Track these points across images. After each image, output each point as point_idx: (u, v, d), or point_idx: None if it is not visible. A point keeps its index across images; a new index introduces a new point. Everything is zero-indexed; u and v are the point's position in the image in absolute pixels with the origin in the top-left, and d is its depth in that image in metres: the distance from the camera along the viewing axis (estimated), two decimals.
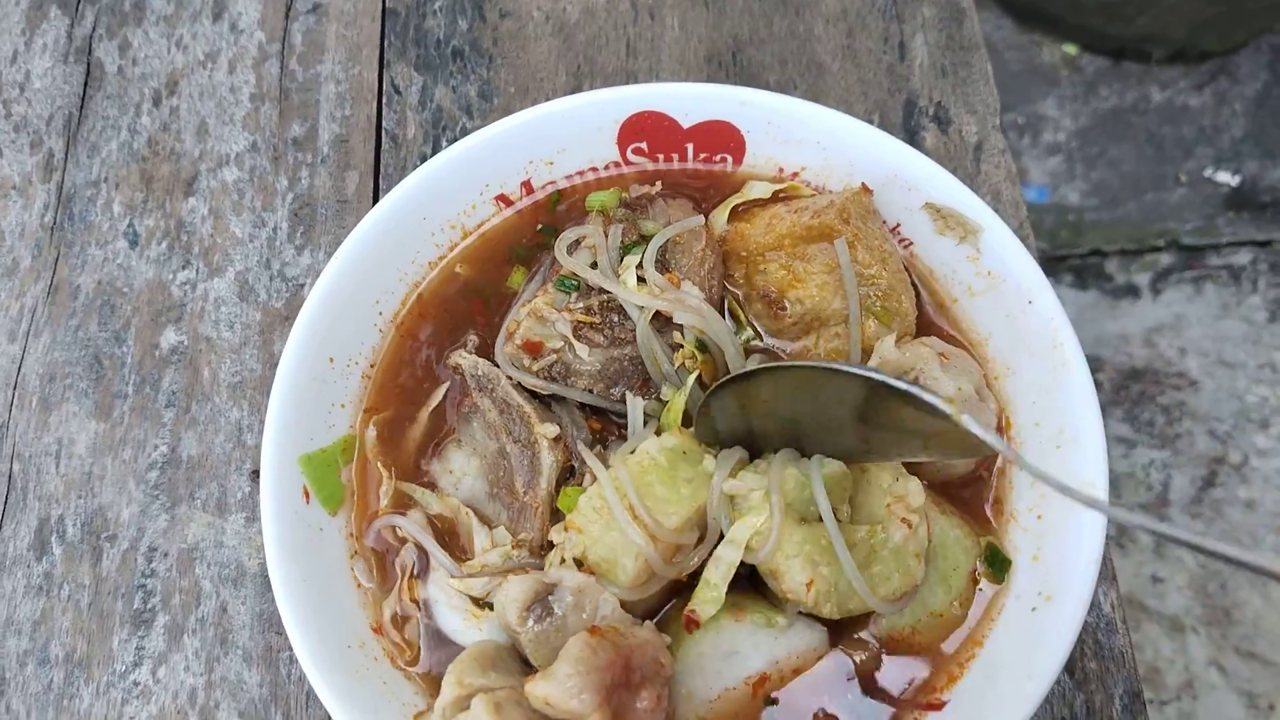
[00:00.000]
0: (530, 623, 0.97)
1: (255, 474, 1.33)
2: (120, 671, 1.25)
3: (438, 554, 1.08)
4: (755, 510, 1.01)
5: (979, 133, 1.57)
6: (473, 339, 1.18)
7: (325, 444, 1.11)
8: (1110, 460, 1.11)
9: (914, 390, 0.90)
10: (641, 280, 1.13)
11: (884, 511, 1.06)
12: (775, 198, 1.25)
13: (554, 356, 1.13)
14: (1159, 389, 3.47)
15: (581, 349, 1.12)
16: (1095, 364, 3.30)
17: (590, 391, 1.14)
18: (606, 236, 1.15)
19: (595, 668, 0.91)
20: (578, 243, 1.16)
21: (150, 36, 1.60)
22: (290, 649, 1.25)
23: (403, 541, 1.11)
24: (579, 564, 1.01)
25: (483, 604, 1.08)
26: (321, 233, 1.47)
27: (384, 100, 1.54)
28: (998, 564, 1.12)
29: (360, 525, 1.13)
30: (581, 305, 1.13)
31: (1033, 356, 1.16)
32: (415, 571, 1.10)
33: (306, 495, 1.07)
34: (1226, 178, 3.80)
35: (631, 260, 1.13)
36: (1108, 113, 3.83)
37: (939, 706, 1.06)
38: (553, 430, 1.09)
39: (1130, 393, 3.46)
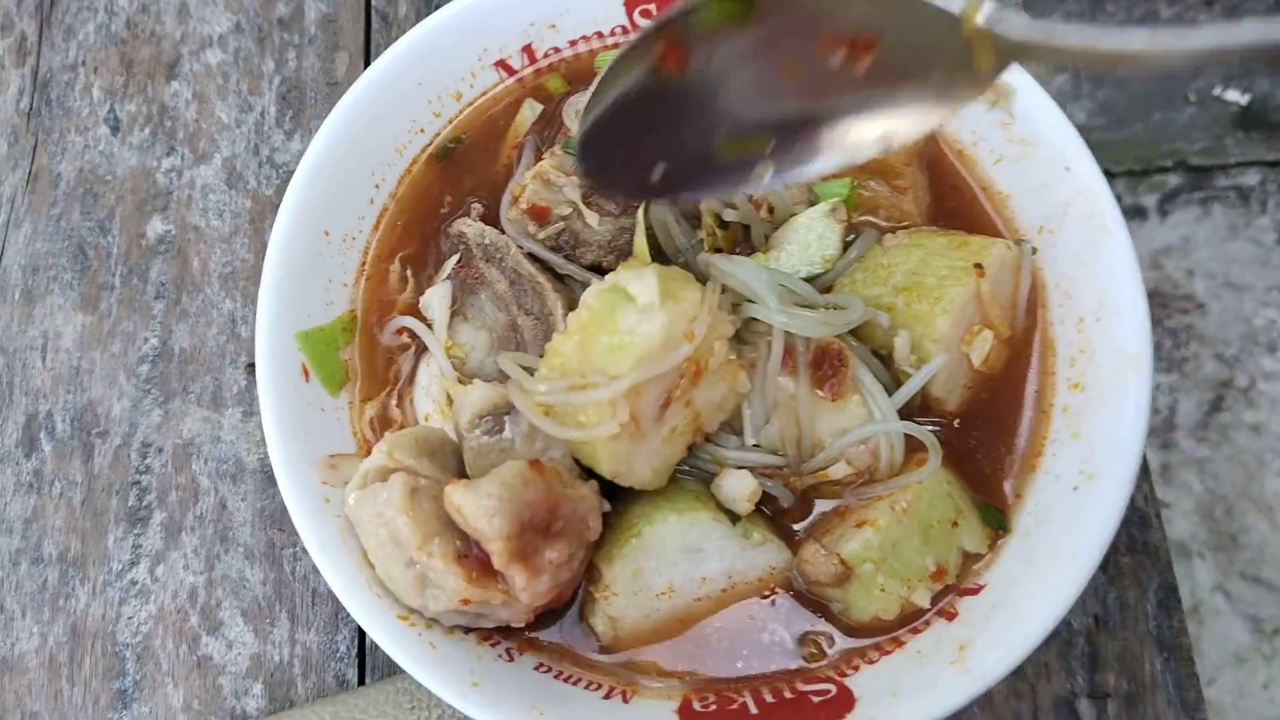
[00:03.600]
0: (478, 432, 0.93)
1: (251, 367, 1.27)
2: (117, 570, 1.20)
3: (437, 352, 1.04)
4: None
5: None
6: (477, 206, 1.11)
7: (323, 322, 1.05)
8: None
9: None
10: None
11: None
12: None
13: (561, 224, 1.06)
14: (1166, 312, 3.41)
15: (591, 216, 1.05)
16: None
17: (599, 268, 1.07)
18: None
19: (519, 499, 0.87)
20: None
21: None
22: (294, 546, 1.20)
23: (403, 349, 1.09)
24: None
25: None
26: (311, 117, 1.39)
27: None
28: (992, 518, 1.05)
29: (367, 339, 1.10)
30: None
31: (1069, 226, 1.10)
32: (407, 379, 1.08)
33: (306, 373, 1.02)
34: (1236, 96, 3.71)
35: None
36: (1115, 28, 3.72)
37: (975, 591, 1.02)
38: (568, 301, 1.03)
39: None
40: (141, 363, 1.28)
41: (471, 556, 0.87)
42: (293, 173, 1.34)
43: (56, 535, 1.21)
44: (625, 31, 1.20)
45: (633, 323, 0.91)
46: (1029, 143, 1.12)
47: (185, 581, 1.19)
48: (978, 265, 1.03)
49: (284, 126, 1.39)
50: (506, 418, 0.93)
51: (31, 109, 1.39)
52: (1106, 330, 1.05)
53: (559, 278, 1.07)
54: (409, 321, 1.07)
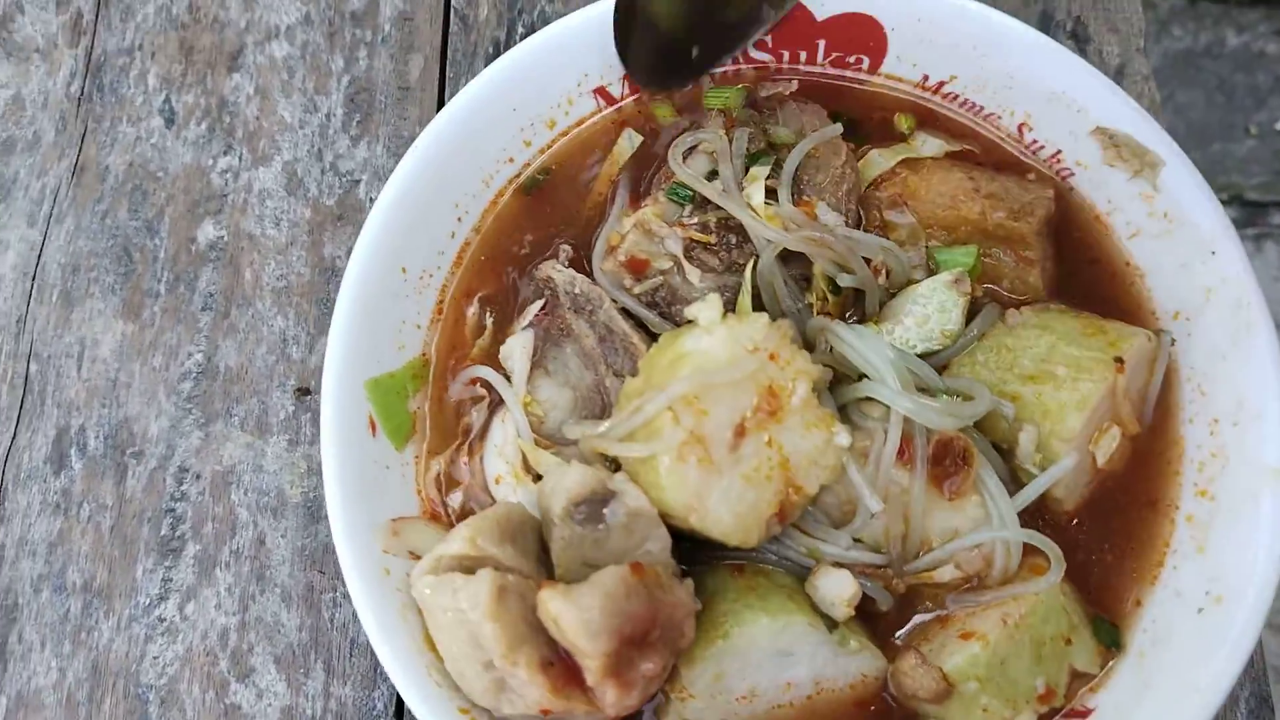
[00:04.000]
0: (574, 521, 0.84)
1: (300, 391, 1.18)
2: (144, 605, 1.11)
3: (514, 408, 0.96)
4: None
5: (1121, 55, 1.39)
6: (566, 249, 1.02)
7: (394, 368, 0.96)
8: None
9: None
10: (769, 194, 0.96)
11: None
12: (948, 158, 1.08)
13: (660, 279, 0.98)
14: None
15: (692, 273, 0.97)
16: None
17: None
18: (730, 143, 0.98)
19: (621, 611, 0.80)
20: (694, 148, 0.99)
21: None
22: (334, 591, 1.12)
23: (475, 401, 1.00)
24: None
25: (533, 472, 0.96)
26: (380, 123, 1.29)
27: None
28: (1105, 635, 0.97)
29: (439, 388, 1.01)
30: (696, 221, 0.98)
31: (1209, 315, 1.01)
32: (478, 434, 0.99)
33: (373, 426, 0.93)
34: None
35: (759, 171, 0.97)
36: (1179, 54, 3.60)
37: (1084, 714, 0.93)
38: None
39: None
40: (183, 379, 1.19)
41: (558, 663, 0.78)
42: (358, 182, 1.27)
43: (82, 562, 1.13)
44: (736, 61, 1.10)
45: (694, 341, 0.89)
46: (1172, 219, 1.03)
47: (216, 622, 1.11)
48: (1119, 360, 0.93)
49: (350, 131, 1.29)
50: (605, 507, 0.84)
51: (83, 94, 1.30)
52: (1243, 436, 0.97)
53: (653, 337, 0.98)
54: (485, 372, 0.98)
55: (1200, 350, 1.01)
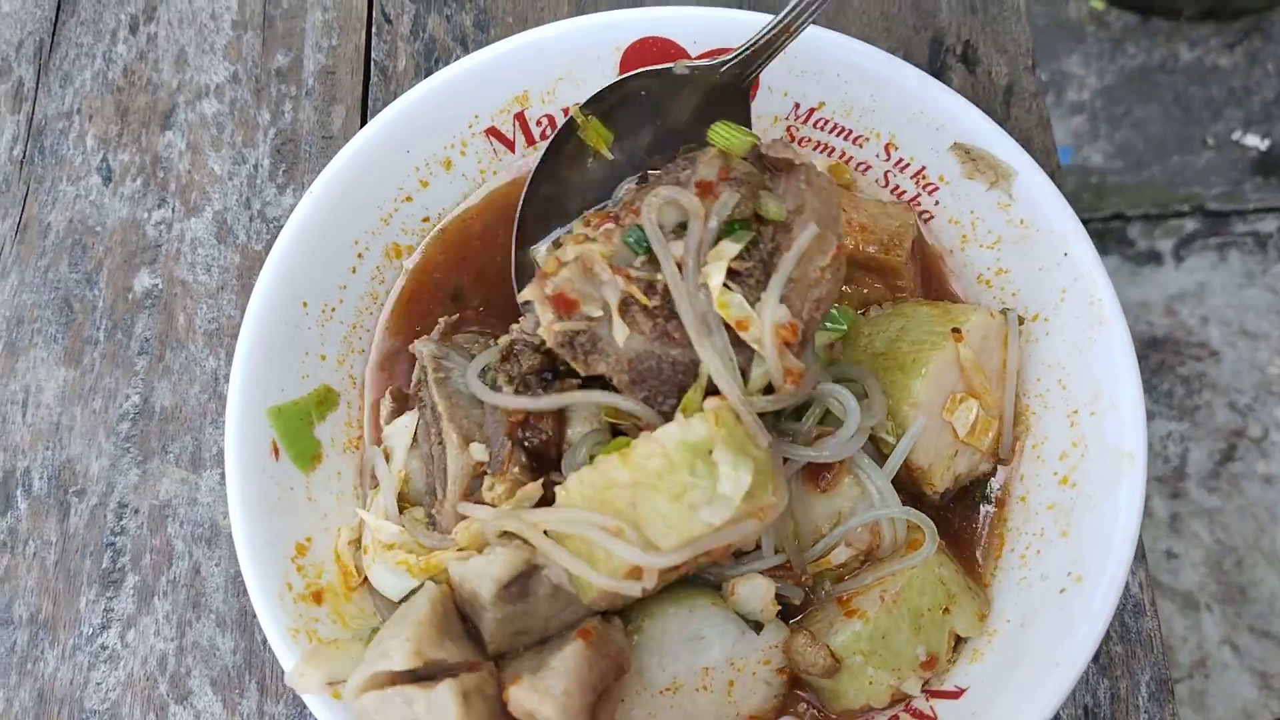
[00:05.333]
0: (505, 603, 0.87)
1: None
2: (87, 635, 1.18)
3: (386, 488, 0.99)
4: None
5: (1009, 74, 1.47)
6: (440, 322, 1.05)
7: (297, 396, 1.03)
8: None
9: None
10: (736, 277, 0.89)
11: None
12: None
13: (585, 325, 0.90)
14: (1179, 359, 3.36)
15: (619, 329, 0.89)
16: None
17: (601, 379, 0.93)
18: (706, 214, 0.88)
19: (586, 684, 0.84)
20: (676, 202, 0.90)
21: None
22: None
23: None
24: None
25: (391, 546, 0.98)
26: (305, 171, 1.37)
27: (373, 29, 1.44)
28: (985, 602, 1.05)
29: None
30: (644, 278, 0.89)
31: (1065, 313, 1.07)
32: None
33: (276, 451, 0.99)
34: (1255, 141, 3.66)
35: (728, 249, 0.88)
36: (1134, 71, 3.69)
37: (956, 694, 0.99)
38: (465, 425, 0.97)
39: (1150, 362, 3.36)
40: (122, 420, 1.26)
41: None
42: (283, 227, 1.34)
43: (28, 596, 1.19)
44: None
45: (699, 500, 0.83)
46: (1028, 225, 1.10)
47: (155, 648, 1.17)
48: (955, 330, 1.01)
49: (277, 180, 1.37)
50: (530, 580, 0.88)
51: (24, 156, 1.38)
52: (1100, 425, 1.03)
53: (479, 401, 0.98)
54: (372, 453, 1.04)
55: (1059, 346, 1.08)
